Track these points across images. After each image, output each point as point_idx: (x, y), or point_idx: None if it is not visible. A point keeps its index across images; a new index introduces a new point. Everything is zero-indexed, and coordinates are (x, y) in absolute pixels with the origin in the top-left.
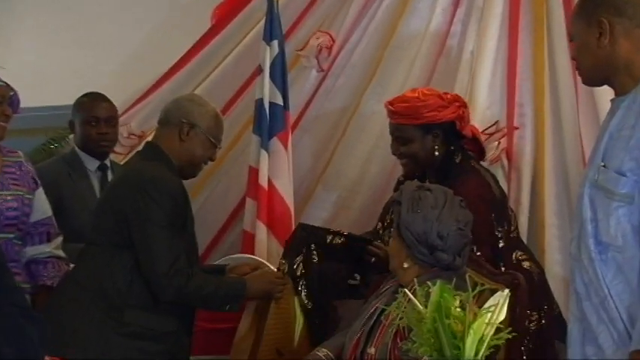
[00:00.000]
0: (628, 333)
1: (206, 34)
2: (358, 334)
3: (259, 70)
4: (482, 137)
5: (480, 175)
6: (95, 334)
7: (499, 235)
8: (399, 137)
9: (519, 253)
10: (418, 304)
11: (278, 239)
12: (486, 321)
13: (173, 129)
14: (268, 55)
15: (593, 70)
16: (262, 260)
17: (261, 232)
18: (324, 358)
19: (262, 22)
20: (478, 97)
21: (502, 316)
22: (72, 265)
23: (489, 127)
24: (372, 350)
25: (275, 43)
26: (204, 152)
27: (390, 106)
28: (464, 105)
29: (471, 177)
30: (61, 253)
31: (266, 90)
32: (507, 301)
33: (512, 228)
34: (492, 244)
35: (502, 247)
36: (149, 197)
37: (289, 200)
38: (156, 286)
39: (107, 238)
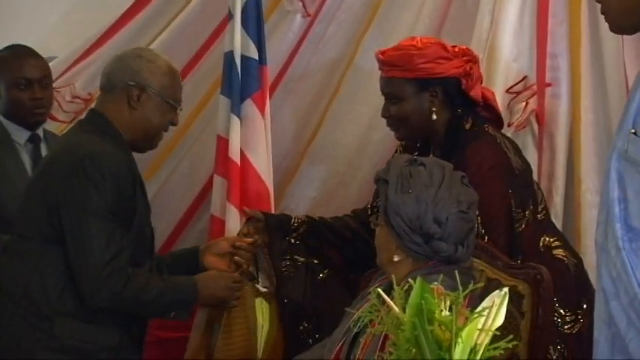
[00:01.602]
0: None
1: None
2: (339, 345)
3: (229, 17)
4: (508, 97)
5: (496, 142)
6: (17, 349)
7: (518, 217)
8: (389, 94)
9: (550, 238)
10: (395, 306)
11: None
12: (479, 327)
13: (119, 95)
14: None
15: (623, 14)
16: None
17: (233, 217)
18: None
19: None
20: (501, 46)
21: (499, 321)
22: None
23: (516, 84)
24: None
25: None
26: (163, 118)
27: (380, 56)
28: (474, 61)
29: (482, 143)
30: None
31: (237, 41)
32: (505, 301)
33: (540, 208)
34: (509, 227)
35: (521, 230)
36: (86, 178)
37: (267, 177)
38: (85, 289)
39: (37, 229)
